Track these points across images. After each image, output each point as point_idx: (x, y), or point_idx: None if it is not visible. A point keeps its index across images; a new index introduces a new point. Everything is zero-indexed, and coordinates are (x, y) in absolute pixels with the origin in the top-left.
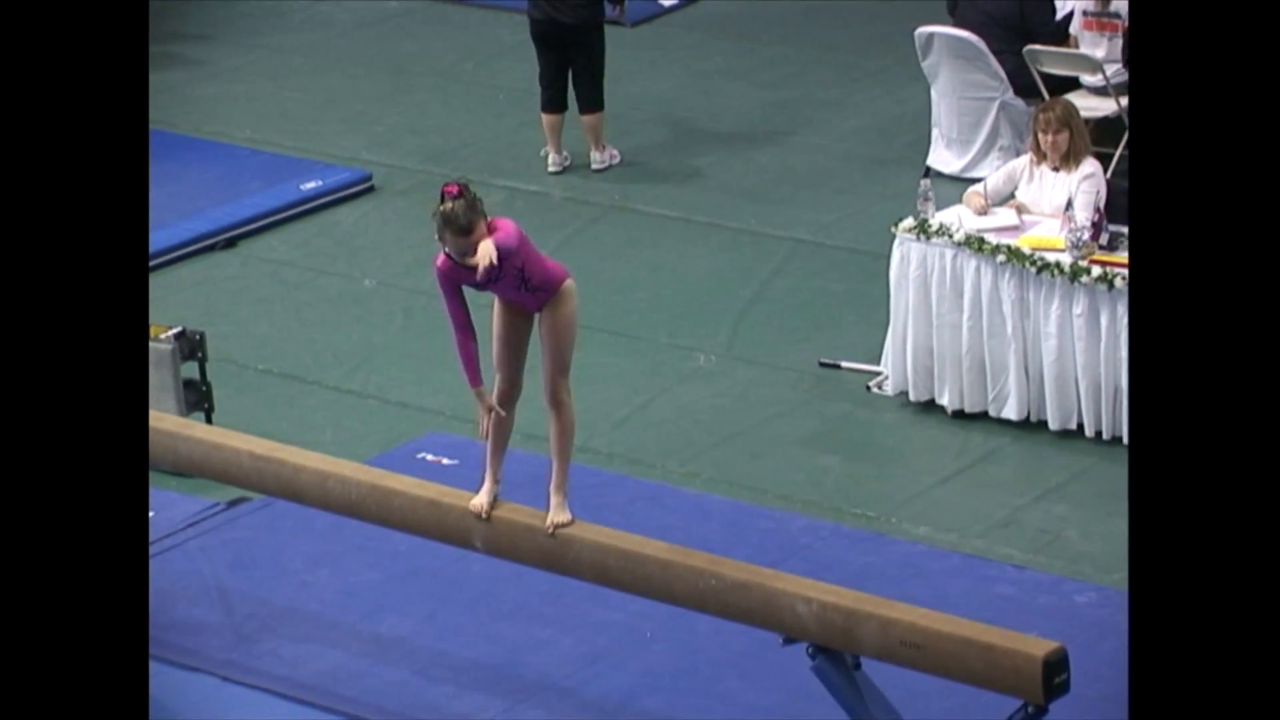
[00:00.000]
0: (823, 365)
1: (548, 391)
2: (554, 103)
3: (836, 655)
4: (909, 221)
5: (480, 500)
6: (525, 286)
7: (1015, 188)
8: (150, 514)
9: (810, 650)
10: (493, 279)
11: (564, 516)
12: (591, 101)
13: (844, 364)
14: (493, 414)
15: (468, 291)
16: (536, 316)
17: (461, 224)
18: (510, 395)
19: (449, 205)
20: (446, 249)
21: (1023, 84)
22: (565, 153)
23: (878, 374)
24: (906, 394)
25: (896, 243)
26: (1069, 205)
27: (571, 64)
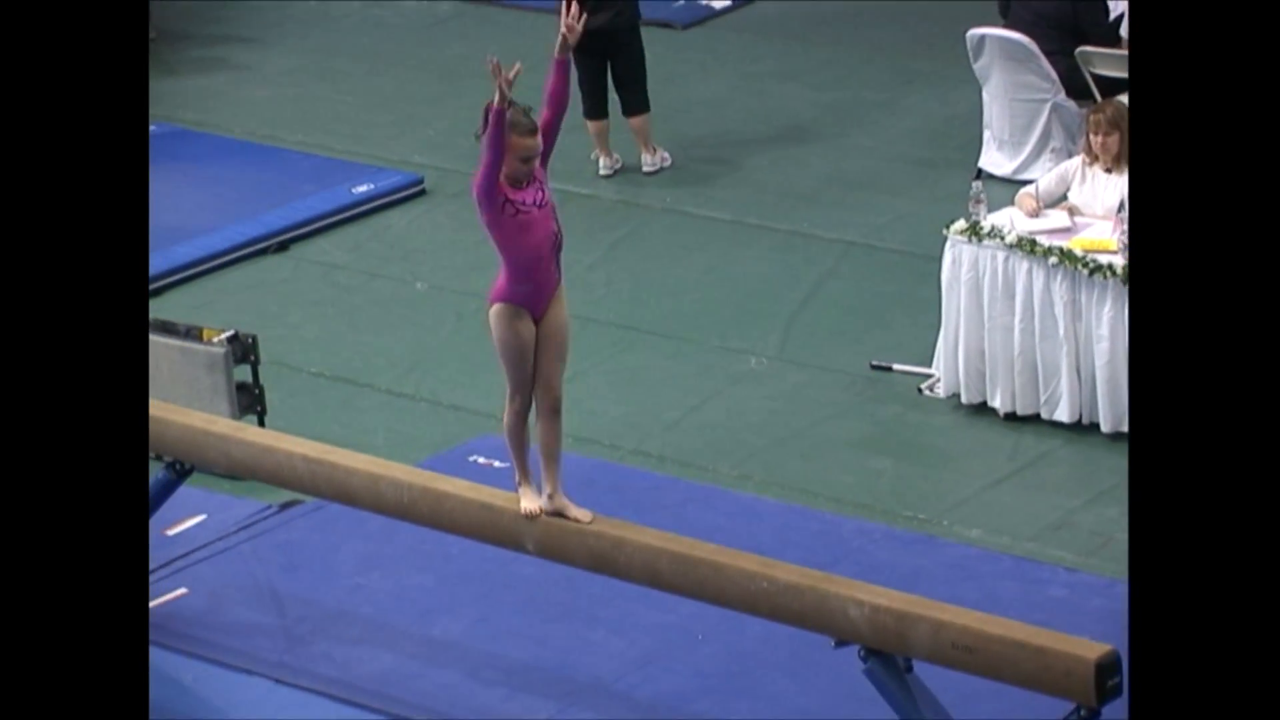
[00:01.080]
0: (874, 368)
1: (554, 394)
2: (596, 109)
3: (888, 658)
4: (961, 224)
5: (534, 505)
6: (542, 194)
7: (1067, 190)
8: (203, 517)
9: (862, 653)
10: (535, 179)
11: (586, 512)
12: (636, 104)
13: (895, 366)
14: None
15: None
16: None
17: (529, 123)
18: (527, 409)
19: (511, 111)
20: (508, 160)
21: (1075, 85)
22: (615, 156)
23: (929, 376)
24: (958, 396)
25: (948, 245)
26: (1121, 207)
27: (612, 68)
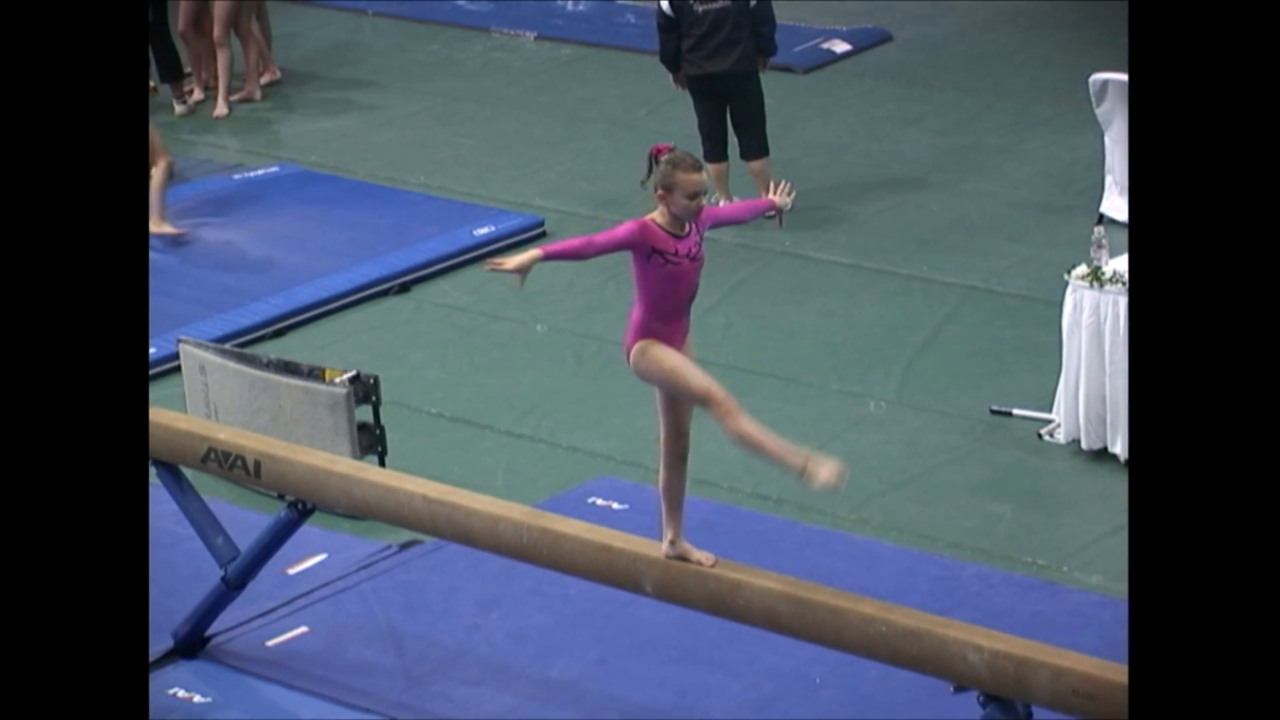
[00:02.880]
0: (994, 413)
1: (684, 441)
2: (715, 153)
3: (1007, 704)
4: (1082, 269)
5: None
6: (700, 247)
7: None
8: (324, 556)
9: (981, 698)
10: (695, 229)
11: (709, 555)
12: (756, 148)
13: (1016, 411)
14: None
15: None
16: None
17: (694, 160)
18: (681, 447)
19: (674, 153)
20: (672, 199)
21: None
22: (735, 199)
23: (1050, 422)
24: (1079, 442)
25: (1069, 290)
26: None
27: (731, 113)
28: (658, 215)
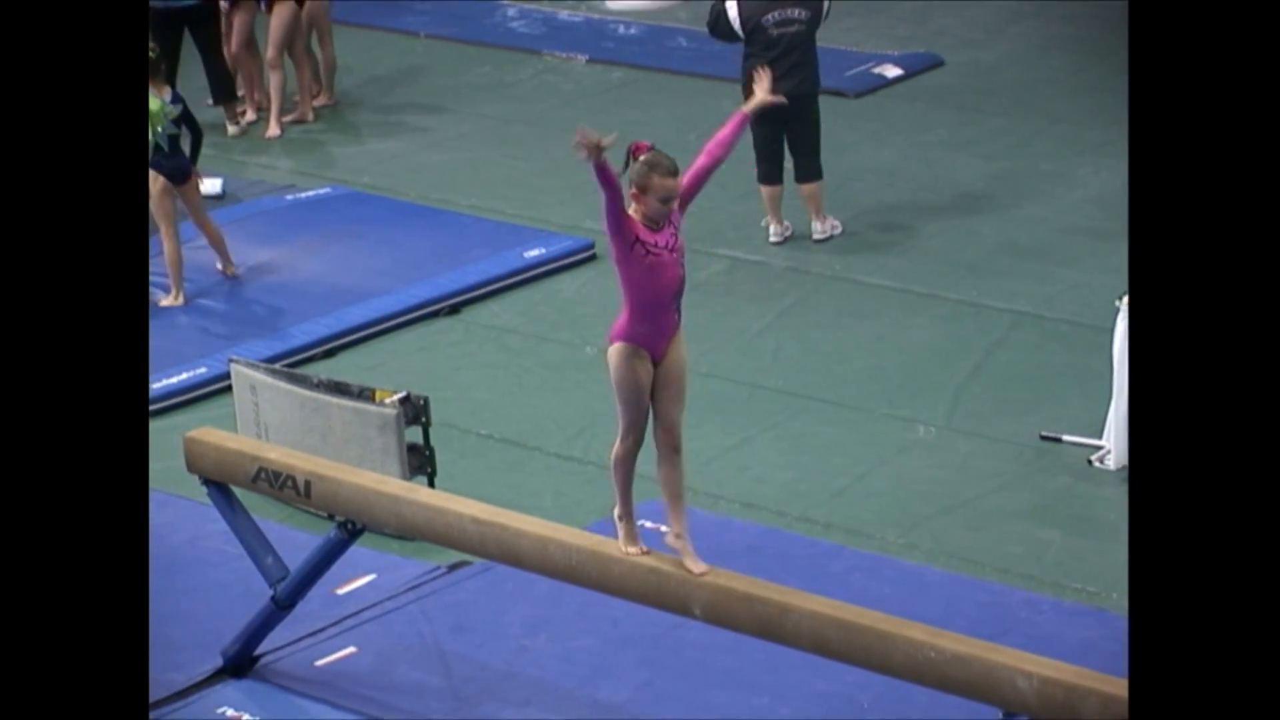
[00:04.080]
0: (1044, 438)
1: (674, 435)
2: (771, 175)
3: None
4: None
5: (634, 547)
6: (677, 238)
7: None
8: (373, 576)
9: None
10: (670, 222)
11: (703, 564)
12: (810, 171)
13: (1065, 437)
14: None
15: None
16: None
17: (670, 164)
18: (638, 447)
19: (652, 153)
20: (646, 200)
21: None
22: (786, 223)
23: (1100, 448)
24: (1129, 469)
25: (1120, 316)
26: None
27: (789, 134)
28: (632, 211)
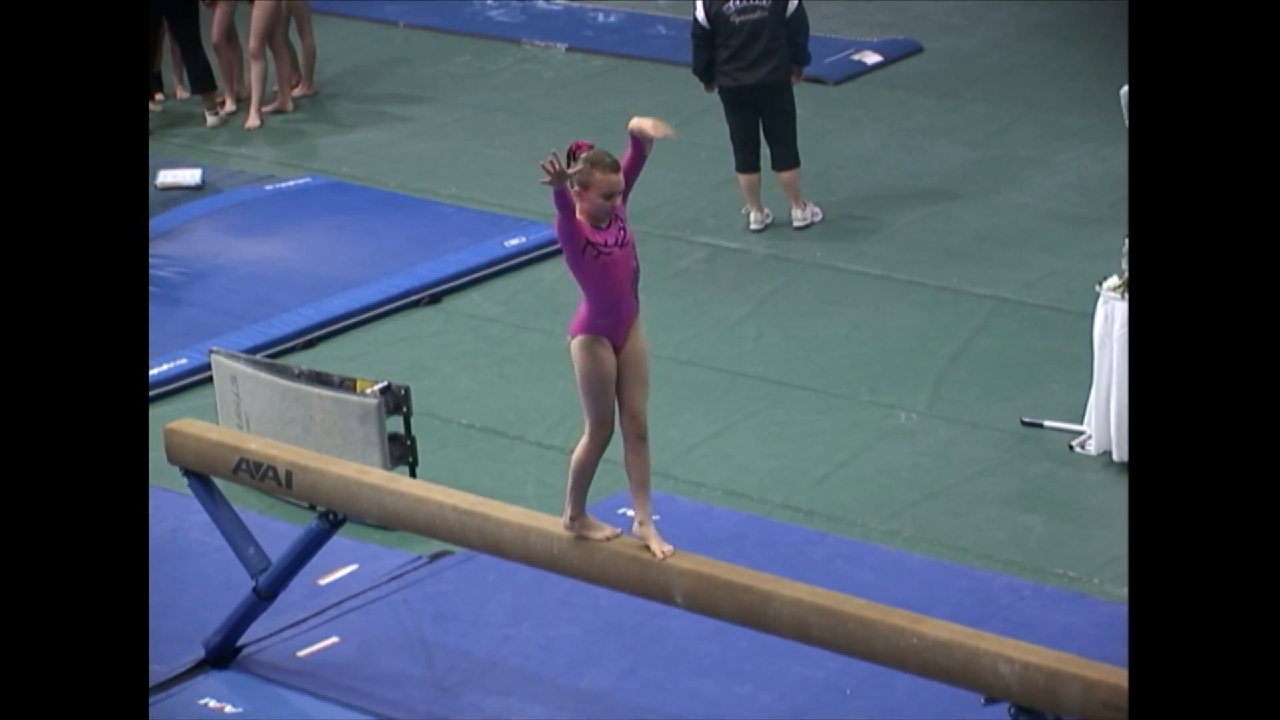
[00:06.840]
0: (1025, 424)
1: (640, 423)
2: (748, 163)
3: (1039, 716)
4: (1113, 280)
5: (606, 530)
6: (624, 232)
7: None
8: (355, 566)
9: (1012, 711)
10: (616, 216)
11: (668, 545)
12: (786, 160)
13: (1047, 423)
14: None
15: None
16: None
17: (612, 161)
18: (606, 444)
19: (593, 151)
20: (589, 197)
21: None
22: (766, 210)
23: (1081, 433)
24: (1109, 454)
25: (1101, 301)
26: None
27: (764, 123)
28: (578, 211)
